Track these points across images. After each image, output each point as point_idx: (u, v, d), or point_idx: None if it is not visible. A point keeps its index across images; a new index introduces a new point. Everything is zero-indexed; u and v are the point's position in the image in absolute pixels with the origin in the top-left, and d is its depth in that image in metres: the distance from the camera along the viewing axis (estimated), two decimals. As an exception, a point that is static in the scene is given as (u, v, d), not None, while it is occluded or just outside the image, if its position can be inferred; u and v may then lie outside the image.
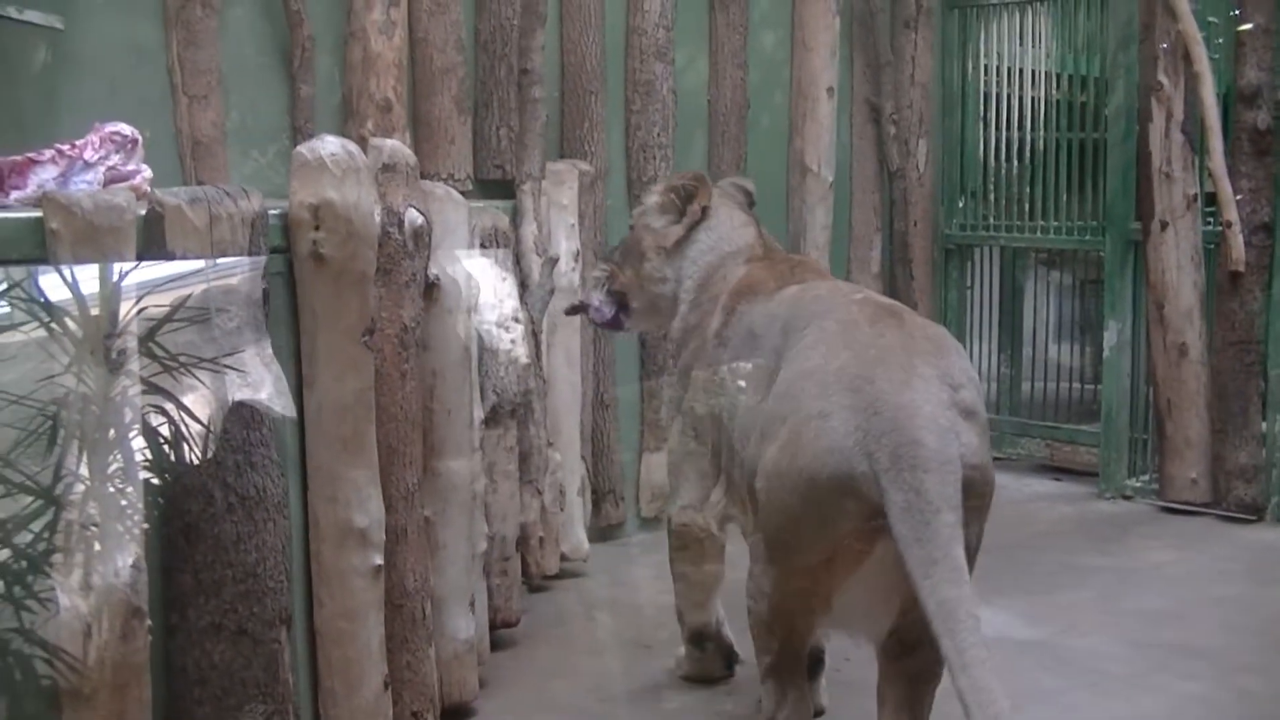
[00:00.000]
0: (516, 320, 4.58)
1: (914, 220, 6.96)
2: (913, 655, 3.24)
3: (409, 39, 4.92)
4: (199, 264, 3.14)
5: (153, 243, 3.05)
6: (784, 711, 3.38)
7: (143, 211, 3.06)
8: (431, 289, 3.80)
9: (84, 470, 2.91)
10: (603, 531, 5.69)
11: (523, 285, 4.74)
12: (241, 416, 3.21)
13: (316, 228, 3.34)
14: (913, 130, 6.96)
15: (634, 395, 5.87)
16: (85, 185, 3.31)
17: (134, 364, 3.00)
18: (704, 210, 4.15)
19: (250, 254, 3.21)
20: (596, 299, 4.33)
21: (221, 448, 3.18)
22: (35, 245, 2.89)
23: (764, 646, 3.41)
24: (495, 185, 5.04)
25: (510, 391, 4.53)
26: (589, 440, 5.53)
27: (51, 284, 2.89)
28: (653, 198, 4.29)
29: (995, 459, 3.30)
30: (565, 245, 5.12)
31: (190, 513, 3.15)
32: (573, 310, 4.62)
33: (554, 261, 4.90)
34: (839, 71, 6.58)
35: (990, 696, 2.66)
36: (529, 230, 4.81)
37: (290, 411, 3.33)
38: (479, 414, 4.19)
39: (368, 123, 4.72)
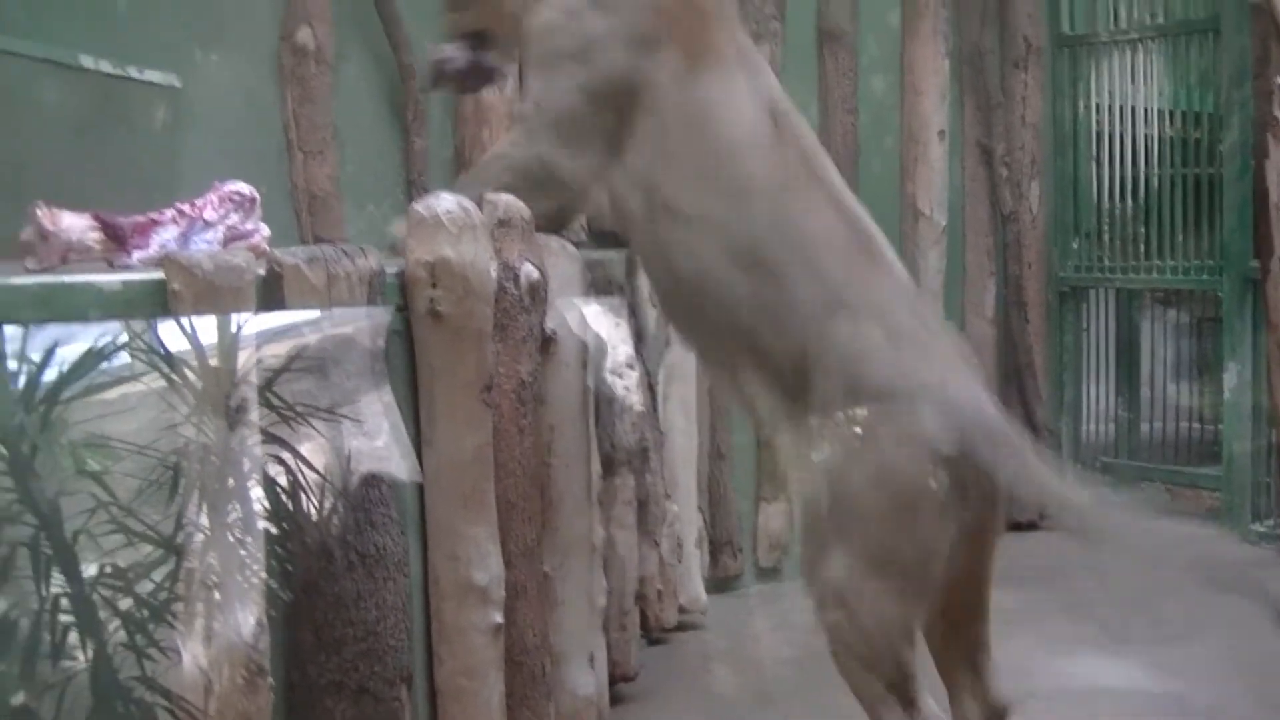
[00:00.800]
0: (630, 367, 4.56)
1: (1028, 263, 6.89)
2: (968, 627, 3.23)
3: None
4: (316, 313, 3.15)
5: (271, 301, 3.06)
6: None
7: (262, 271, 3.08)
8: (548, 343, 3.78)
9: (204, 520, 2.92)
10: (720, 583, 5.66)
11: (638, 336, 4.71)
12: (361, 474, 3.22)
13: (433, 285, 3.34)
14: (1025, 172, 6.89)
15: (749, 443, 5.84)
16: (205, 244, 3.33)
17: (253, 414, 3.01)
18: None
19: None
20: (448, 50, 3.88)
21: (341, 505, 3.18)
22: (158, 306, 2.92)
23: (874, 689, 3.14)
24: (609, 236, 5.02)
25: (625, 439, 4.51)
26: (705, 491, 5.50)
27: (171, 334, 2.92)
28: None
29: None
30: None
31: (310, 569, 3.15)
32: (435, 84, 4.07)
33: (668, 312, 4.88)
34: (949, 114, 6.53)
35: None
36: (643, 281, 4.79)
37: (416, 475, 3.33)
38: (596, 467, 4.17)
39: (480, 175, 4.73)
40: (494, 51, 3.94)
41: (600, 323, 4.40)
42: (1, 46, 4.03)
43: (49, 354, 2.79)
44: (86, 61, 4.32)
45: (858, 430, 3.10)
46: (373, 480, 3.25)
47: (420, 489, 3.46)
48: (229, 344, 2.98)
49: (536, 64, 3.75)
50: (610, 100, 3.58)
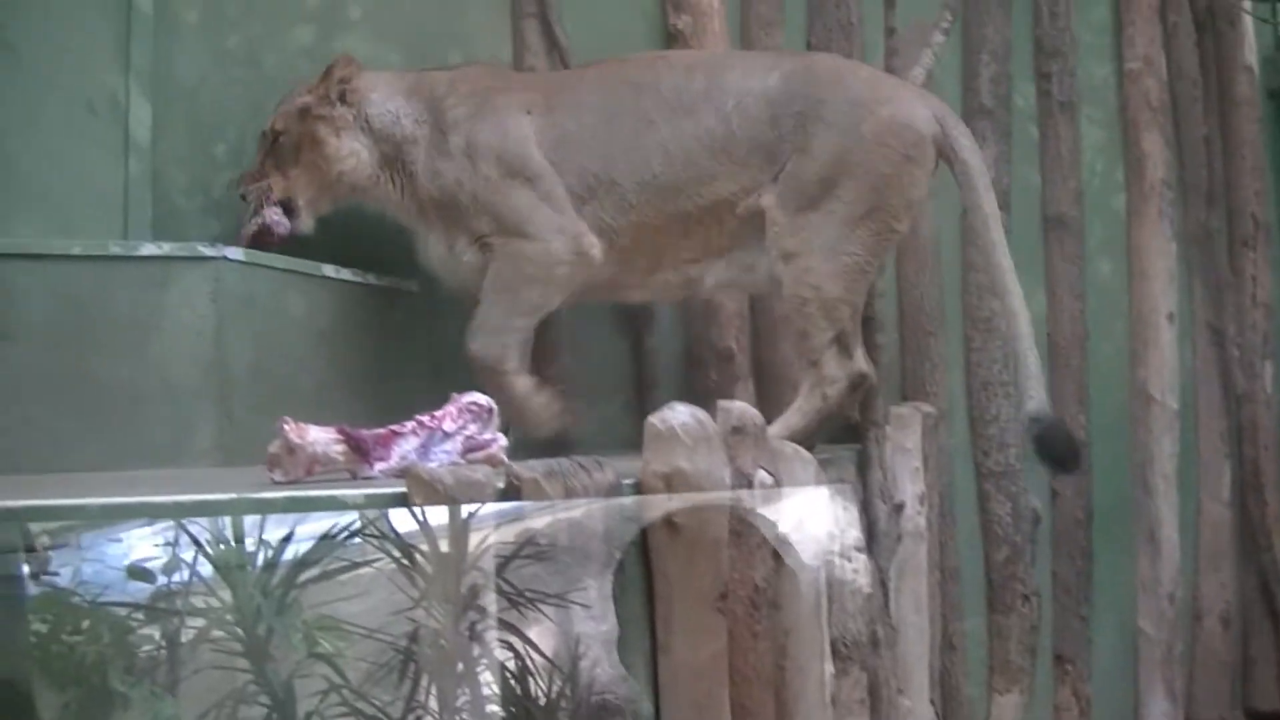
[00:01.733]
0: (859, 550, 4.52)
1: (1264, 445, 6.69)
2: None
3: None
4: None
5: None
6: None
7: (500, 484, 3.13)
8: (782, 547, 3.77)
9: (433, 704, 2.95)
10: (954, 775, 5.56)
11: (869, 533, 4.69)
12: (589, 658, 3.23)
13: (669, 497, 3.36)
14: (1257, 352, 6.72)
15: (980, 630, 5.75)
16: (444, 455, 3.41)
17: (484, 599, 3.05)
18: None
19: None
20: (272, 215, 4.52)
21: (569, 690, 3.19)
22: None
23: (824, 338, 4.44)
24: (839, 429, 5.03)
25: (854, 628, 4.46)
26: (937, 684, 5.41)
27: (403, 519, 2.99)
28: (298, 98, 4.60)
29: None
30: (910, 490, 5.05)
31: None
32: (255, 240, 4.52)
33: (900, 508, 4.85)
34: (1178, 296, 6.43)
35: None
36: (875, 477, 4.78)
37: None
38: (829, 669, 4.13)
39: (710, 372, 4.78)
40: (306, 211, 4.60)
41: (829, 507, 4.39)
42: (249, 259, 4.19)
43: (286, 539, 2.88)
44: (329, 271, 4.48)
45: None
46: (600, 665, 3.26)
47: (655, 695, 3.47)
48: (460, 530, 3.04)
49: None
50: None
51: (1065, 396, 5.95)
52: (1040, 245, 6.05)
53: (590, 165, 4.50)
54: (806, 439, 4.28)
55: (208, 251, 4.14)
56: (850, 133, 4.35)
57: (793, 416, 4.43)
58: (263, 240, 4.48)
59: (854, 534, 4.51)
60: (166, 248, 4.15)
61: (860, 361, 4.58)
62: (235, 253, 4.19)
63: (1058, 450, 4.47)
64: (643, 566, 3.43)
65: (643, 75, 4.64)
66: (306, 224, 4.58)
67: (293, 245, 4.48)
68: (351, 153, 4.57)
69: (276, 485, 3.23)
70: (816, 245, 4.34)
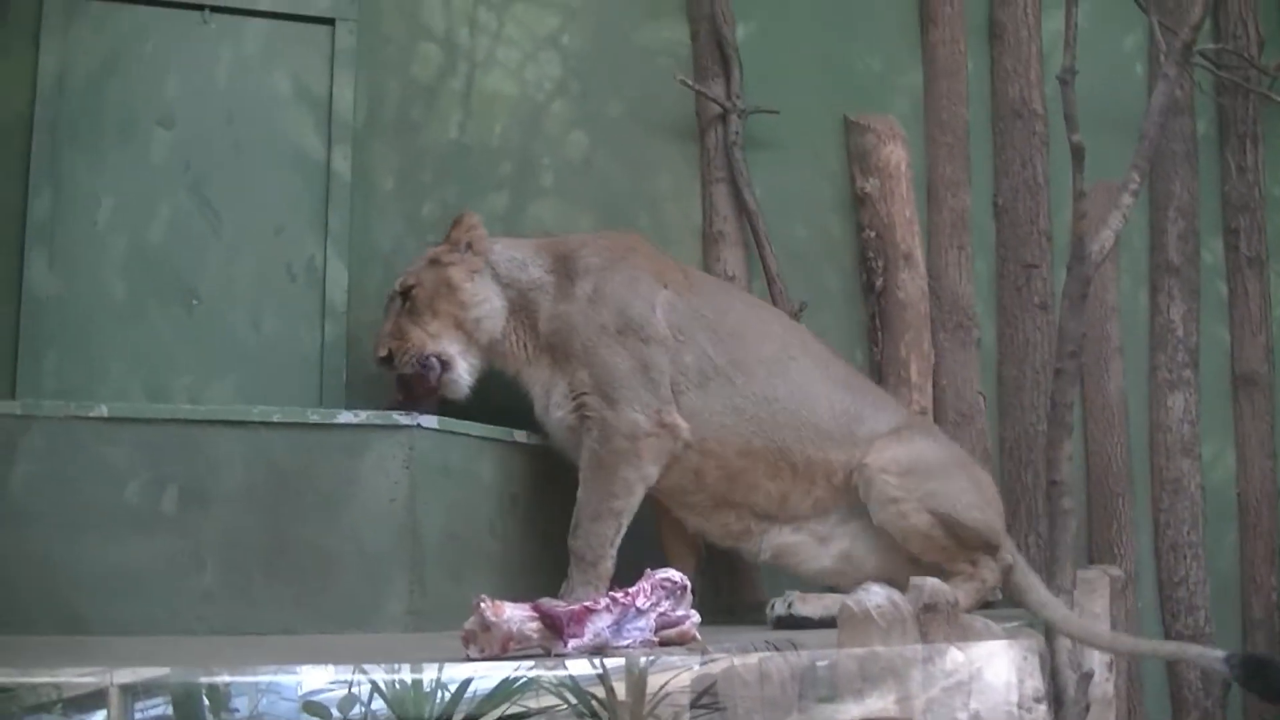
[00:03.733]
0: (1038, 701, 4.45)
1: None
2: None
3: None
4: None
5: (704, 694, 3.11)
6: None
7: (696, 669, 3.13)
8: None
9: None
10: None
11: (1056, 700, 4.61)
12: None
13: (863, 679, 3.35)
14: None
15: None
16: (638, 632, 3.41)
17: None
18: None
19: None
20: (424, 363, 4.53)
21: None
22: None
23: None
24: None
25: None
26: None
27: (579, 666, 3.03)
28: (429, 251, 4.70)
29: None
30: (1099, 657, 4.98)
31: None
32: (402, 403, 4.54)
33: (1088, 676, 4.77)
34: (1371, 451, 6.31)
35: None
36: (1062, 644, 4.71)
37: None
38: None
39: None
40: (461, 362, 4.59)
41: (1008, 656, 4.32)
42: (443, 427, 4.26)
43: (465, 682, 2.91)
44: (520, 436, 4.53)
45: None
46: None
47: None
48: (638, 677, 3.05)
49: None
50: None
51: (1255, 557, 5.84)
52: (1230, 403, 5.96)
53: (716, 354, 4.52)
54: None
55: (403, 420, 4.21)
56: None
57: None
58: (421, 389, 4.53)
59: (1033, 685, 4.44)
60: (363, 416, 4.22)
61: (1007, 554, 4.61)
62: (430, 421, 4.25)
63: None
64: None
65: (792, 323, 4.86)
66: (463, 379, 4.57)
67: (474, 408, 4.54)
68: (485, 298, 4.60)
69: (471, 661, 3.26)
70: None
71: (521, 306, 4.61)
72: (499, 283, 4.63)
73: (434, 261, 4.63)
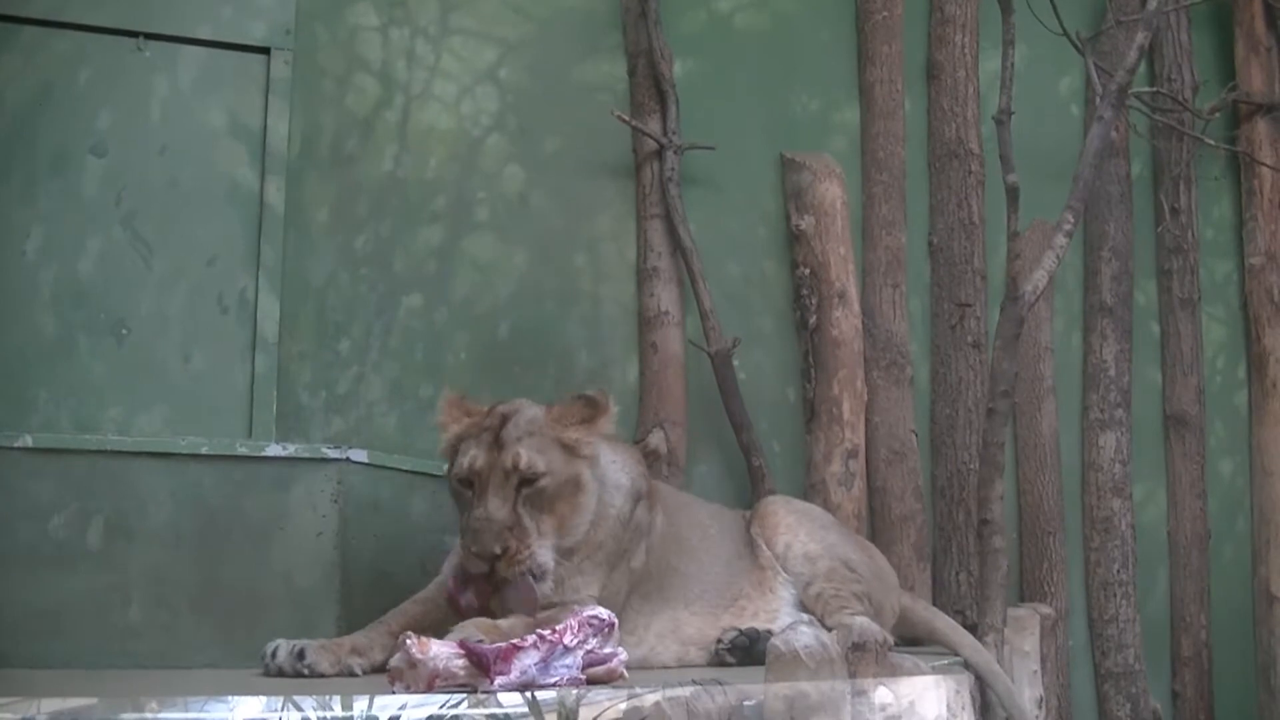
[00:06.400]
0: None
1: (1397, 650, 6.59)
2: None
3: (867, 489, 4.99)
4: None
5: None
6: None
7: (624, 705, 3.12)
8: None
9: None
10: None
11: (989, 737, 4.63)
12: None
13: (791, 717, 3.35)
14: (1390, 550, 6.64)
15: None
16: (566, 670, 3.39)
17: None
18: None
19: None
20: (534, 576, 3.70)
21: None
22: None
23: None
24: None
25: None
26: None
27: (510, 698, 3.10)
28: (560, 429, 3.83)
29: None
30: (1029, 693, 4.99)
31: None
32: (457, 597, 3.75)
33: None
34: (1302, 495, 6.36)
35: None
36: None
37: None
38: None
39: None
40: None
41: (939, 692, 4.33)
42: (372, 461, 4.23)
43: (395, 718, 2.96)
44: (444, 470, 4.52)
45: None
46: None
47: None
48: (568, 710, 3.08)
49: None
50: None
51: (1186, 597, 5.87)
52: (1161, 443, 6.01)
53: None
54: None
55: (331, 453, 4.18)
56: None
57: None
58: (511, 599, 3.74)
59: (966, 717, 4.46)
60: (291, 449, 4.19)
61: None
62: (359, 454, 4.22)
63: None
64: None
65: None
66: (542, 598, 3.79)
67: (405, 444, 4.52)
68: (591, 507, 3.94)
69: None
70: None
71: None
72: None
73: (569, 450, 3.86)
